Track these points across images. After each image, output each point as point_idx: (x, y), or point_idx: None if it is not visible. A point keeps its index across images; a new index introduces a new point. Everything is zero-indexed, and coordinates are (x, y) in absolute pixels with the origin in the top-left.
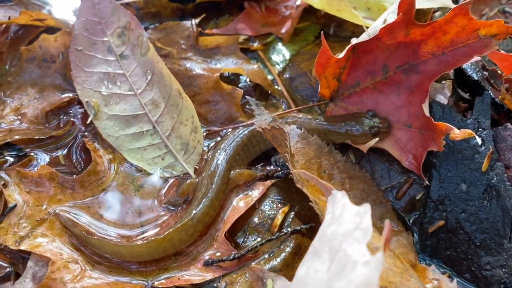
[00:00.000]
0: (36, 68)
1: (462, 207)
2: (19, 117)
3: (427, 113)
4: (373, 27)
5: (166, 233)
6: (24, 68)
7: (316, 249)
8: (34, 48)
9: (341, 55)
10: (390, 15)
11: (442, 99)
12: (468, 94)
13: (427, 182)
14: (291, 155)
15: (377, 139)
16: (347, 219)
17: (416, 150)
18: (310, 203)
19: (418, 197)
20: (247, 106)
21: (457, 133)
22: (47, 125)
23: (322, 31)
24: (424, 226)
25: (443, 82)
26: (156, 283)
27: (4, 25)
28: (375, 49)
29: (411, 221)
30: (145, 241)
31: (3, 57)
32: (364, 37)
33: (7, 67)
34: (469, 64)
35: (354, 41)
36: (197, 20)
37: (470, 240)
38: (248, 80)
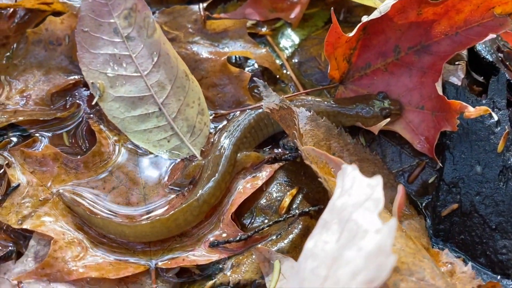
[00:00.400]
0: (42, 50)
1: (476, 189)
2: (24, 98)
3: (440, 93)
4: (385, 4)
5: (171, 213)
6: (30, 51)
7: (325, 221)
8: (40, 30)
9: (351, 34)
10: None
11: (456, 81)
12: (482, 77)
13: (440, 165)
14: (299, 133)
15: (388, 120)
16: (358, 191)
17: (428, 132)
18: (319, 179)
19: (430, 180)
20: (255, 90)
21: (471, 111)
22: (52, 106)
23: (332, 9)
24: (437, 209)
25: (457, 63)
26: (160, 263)
27: (11, 9)
28: (387, 29)
29: (423, 205)
30: (149, 221)
31: (9, 41)
32: (375, 14)
33: (13, 50)
34: (484, 46)
35: (365, 19)
36: (205, 4)
37: (485, 223)
38: (256, 64)
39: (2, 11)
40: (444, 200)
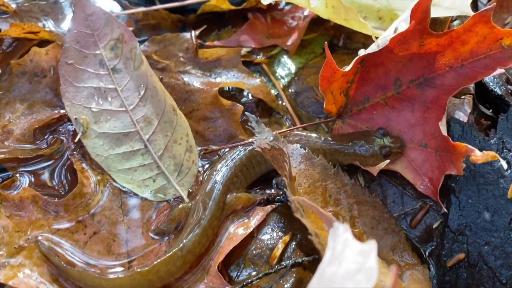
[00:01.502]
0: (27, 82)
1: (485, 238)
2: (6, 134)
3: (445, 132)
4: (383, 37)
5: (152, 264)
6: (14, 83)
7: None
8: (25, 61)
9: (347, 68)
10: (402, 23)
11: (462, 116)
12: (490, 110)
13: (445, 210)
14: (290, 178)
15: (388, 160)
16: (349, 258)
17: (432, 173)
18: (310, 236)
19: (435, 225)
20: (249, 123)
21: (478, 156)
22: (37, 142)
23: (326, 42)
24: (442, 259)
25: (463, 97)
26: None
27: None
28: (386, 61)
29: (427, 252)
30: (128, 274)
31: None
32: (373, 48)
33: None
34: (492, 77)
35: (361, 52)
36: (198, 32)
37: (495, 276)
38: (250, 95)
39: None
40: (449, 249)
